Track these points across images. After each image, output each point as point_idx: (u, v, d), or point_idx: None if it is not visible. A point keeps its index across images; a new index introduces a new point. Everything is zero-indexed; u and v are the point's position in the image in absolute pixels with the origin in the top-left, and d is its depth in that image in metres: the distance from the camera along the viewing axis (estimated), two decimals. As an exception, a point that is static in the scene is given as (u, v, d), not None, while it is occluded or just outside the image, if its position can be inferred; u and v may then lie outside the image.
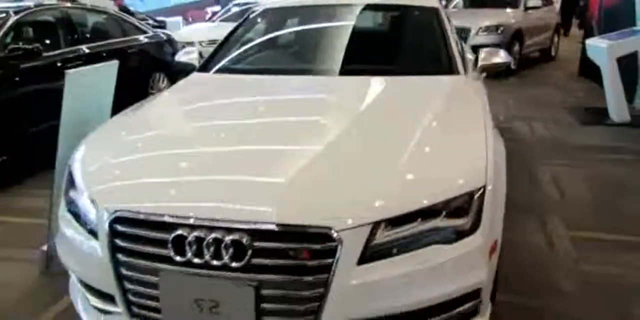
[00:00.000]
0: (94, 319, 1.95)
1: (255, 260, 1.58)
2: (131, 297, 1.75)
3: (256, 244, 1.58)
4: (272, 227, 1.58)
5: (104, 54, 5.11)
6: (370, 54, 3.04)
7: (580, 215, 3.33)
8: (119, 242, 1.73)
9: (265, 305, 1.60)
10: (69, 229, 1.95)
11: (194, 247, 1.61)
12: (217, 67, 3.14)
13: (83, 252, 1.86)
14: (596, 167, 4.23)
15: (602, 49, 5.29)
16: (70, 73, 2.43)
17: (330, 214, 1.59)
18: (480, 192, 1.73)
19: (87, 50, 5.01)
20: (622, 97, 5.46)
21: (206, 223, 1.62)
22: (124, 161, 2.04)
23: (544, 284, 2.55)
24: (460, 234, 1.69)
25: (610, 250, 2.88)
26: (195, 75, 3.10)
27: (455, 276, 1.68)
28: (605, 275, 2.62)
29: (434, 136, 2.06)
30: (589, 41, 5.79)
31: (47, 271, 2.73)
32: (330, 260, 1.56)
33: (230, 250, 1.58)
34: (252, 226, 1.59)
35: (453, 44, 2.95)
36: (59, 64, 4.59)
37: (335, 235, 1.55)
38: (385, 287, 1.61)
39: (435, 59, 2.93)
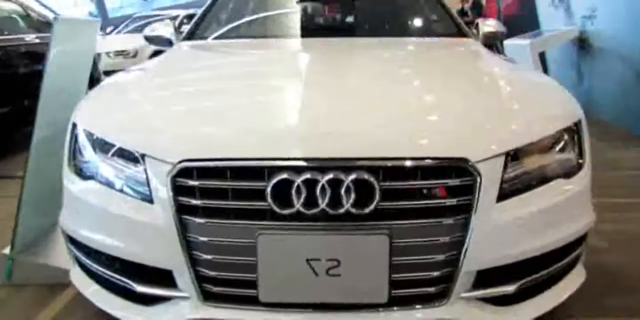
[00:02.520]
0: (133, 314, 1.50)
1: (385, 204, 1.30)
2: (206, 272, 1.36)
3: (384, 183, 1.30)
4: (403, 162, 1.32)
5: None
6: (385, 18, 2.90)
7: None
8: (188, 200, 1.35)
9: (397, 259, 1.32)
10: (95, 199, 1.50)
11: (304, 194, 1.29)
12: (212, 34, 2.75)
13: (124, 222, 1.44)
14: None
15: (524, 45, 5.68)
16: (59, 20, 1.98)
17: (464, 145, 1.37)
18: (579, 126, 1.62)
19: None
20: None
21: (317, 164, 1.30)
22: (172, 107, 1.63)
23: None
24: (573, 169, 1.56)
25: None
26: (188, 43, 2.69)
27: (577, 214, 1.55)
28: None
29: (511, 78, 1.93)
30: (507, 42, 6.20)
31: (8, 282, 2.12)
32: (470, 198, 1.33)
33: (353, 194, 1.28)
34: (378, 163, 1.31)
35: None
36: None
37: (472, 168, 1.33)
38: (524, 227, 1.41)
39: (447, 24, 2.85)
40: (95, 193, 1.51)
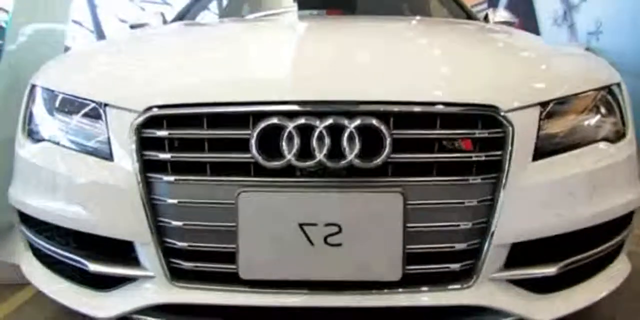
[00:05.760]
0: (84, 301, 1.21)
1: (397, 156, 1.05)
2: (175, 242, 1.10)
3: (396, 131, 1.06)
4: (418, 107, 1.07)
5: None
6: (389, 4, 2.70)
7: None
8: (154, 154, 1.10)
9: (412, 226, 1.05)
10: (46, 162, 1.25)
11: (297, 144, 1.04)
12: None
13: (77, 185, 1.18)
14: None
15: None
16: None
17: (493, 91, 1.13)
18: (619, 89, 1.39)
19: None
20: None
21: (314, 107, 1.06)
22: (142, 58, 1.39)
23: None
24: (616, 134, 1.32)
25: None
26: (179, 22, 2.47)
27: (624, 185, 1.28)
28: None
29: (542, 42, 1.72)
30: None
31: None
32: (500, 153, 1.08)
33: (358, 144, 1.03)
34: (389, 107, 1.06)
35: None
36: None
37: (504, 118, 1.08)
38: (565, 191, 1.15)
39: (457, 11, 2.65)
40: (47, 155, 1.26)
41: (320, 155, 1.03)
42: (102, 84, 1.27)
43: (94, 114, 1.22)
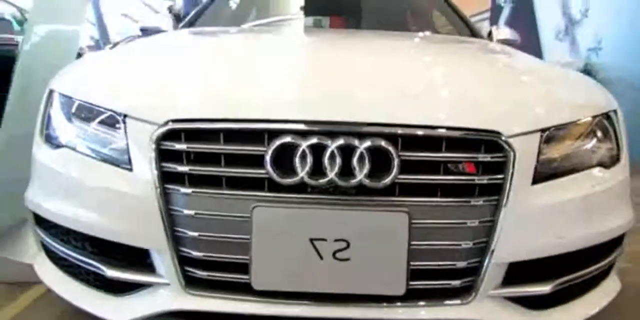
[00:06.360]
0: (100, 305, 1.27)
1: (404, 177, 1.11)
2: (190, 252, 1.15)
3: (404, 153, 1.12)
4: (425, 130, 1.14)
5: None
6: (392, 14, 2.77)
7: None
8: (173, 167, 1.15)
9: (416, 244, 1.11)
10: (65, 168, 1.31)
11: (310, 162, 1.10)
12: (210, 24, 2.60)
13: (97, 192, 1.24)
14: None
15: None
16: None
17: (497, 117, 1.19)
18: (615, 116, 1.46)
19: None
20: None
21: (327, 127, 1.12)
22: (162, 70, 1.44)
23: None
24: (611, 159, 1.38)
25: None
26: (186, 29, 2.54)
27: (618, 208, 1.36)
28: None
29: (543, 66, 1.79)
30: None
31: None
32: (502, 177, 1.15)
33: (367, 164, 1.10)
34: (397, 129, 1.13)
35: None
36: None
37: (506, 143, 1.15)
38: (562, 214, 1.22)
39: (462, 28, 2.71)
40: (66, 161, 1.31)
41: (331, 174, 1.09)
42: (122, 94, 1.32)
43: (112, 123, 1.27)
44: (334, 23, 2.82)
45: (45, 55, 2.12)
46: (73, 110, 1.38)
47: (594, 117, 1.37)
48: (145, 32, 2.74)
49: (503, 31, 2.67)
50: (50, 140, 1.41)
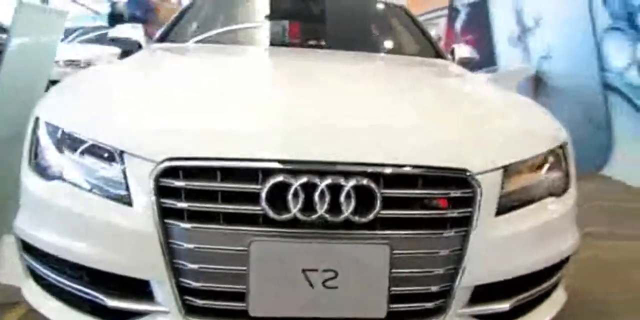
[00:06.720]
0: None
1: (385, 213, 1.25)
2: (190, 282, 1.25)
3: (385, 191, 1.25)
4: (404, 169, 1.28)
5: None
6: (356, 34, 2.91)
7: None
8: (172, 203, 1.24)
9: (396, 272, 1.26)
10: (61, 201, 1.36)
11: (302, 199, 1.22)
12: (186, 39, 2.67)
13: (96, 226, 1.31)
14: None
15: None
16: (23, 6, 1.86)
17: (465, 157, 1.35)
18: (566, 147, 1.64)
19: None
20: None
21: (316, 167, 1.24)
22: (151, 101, 1.53)
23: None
24: (562, 188, 1.57)
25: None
26: (161, 45, 2.59)
27: (567, 232, 1.54)
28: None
29: (502, 98, 1.95)
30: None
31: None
32: (470, 210, 1.30)
33: (353, 201, 1.23)
34: (379, 169, 1.26)
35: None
36: None
37: (473, 179, 1.30)
38: (520, 242, 1.39)
39: (426, 47, 2.89)
40: (61, 194, 1.37)
41: (321, 211, 1.22)
42: (116, 130, 1.38)
43: (108, 157, 1.34)
44: (293, 34, 2.94)
45: (27, 69, 2.15)
46: (64, 142, 1.42)
47: (550, 150, 1.55)
48: (117, 42, 2.78)
49: (463, 49, 2.87)
50: (41, 171, 1.45)
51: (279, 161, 1.25)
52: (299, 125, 1.38)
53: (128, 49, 2.81)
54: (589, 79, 4.88)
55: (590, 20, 4.84)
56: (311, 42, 2.79)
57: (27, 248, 1.47)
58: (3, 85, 1.95)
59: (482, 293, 1.36)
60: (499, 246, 1.34)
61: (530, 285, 1.46)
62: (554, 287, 1.59)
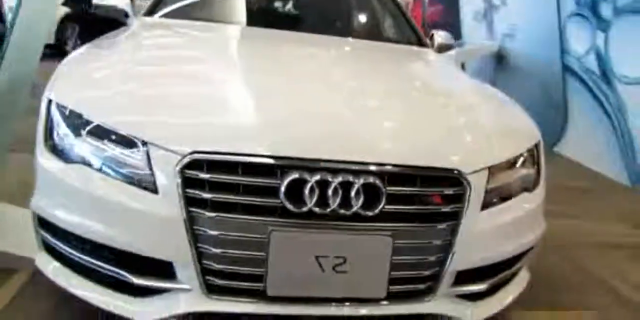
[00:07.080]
0: (120, 304, 1.47)
1: (389, 207, 1.41)
2: (213, 265, 1.39)
3: (390, 188, 1.41)
4: (407, 170, 1.44)
5: None
6: (341, 19, 3.01)
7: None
8: (197, 193, 1.36)
9: (396, 258, 1.44)
10: (85, 185, 1.45)
11: (317, 194, 1.36)
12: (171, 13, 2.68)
13: (121, 210, 1.41)
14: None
15: (451, 55, 6.06)
16: None
17: (458, 159, 1.52)
18: (539, 145, 1.84)
19: None
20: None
21: (330, 165, 1.38)
22: (173, 91, 1.63)
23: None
24: (534, 184, 1.78)
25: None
26: (151, 19, 2.59)
27: (537, 223, 1.77)
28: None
29: (484, 99, 2.12)
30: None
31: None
32: (460, 206, 1.48)
33: (362, 197, 1.38)
34: (386, 168, 1.42)
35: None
36: None
37: (464, 179, 1.48)
38: (500, 233, 1.60)
39: (406, 31, 3.01)
40: (82, 178, 1.46)
41: (334, 205, 1.37)
42: (142, 121, 1.47)
43: (130, 143, 1.43)
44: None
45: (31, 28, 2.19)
46: (83, 126, 1.50)
47: (528, 149, 1.74)
48: (101, 9, 2.74)
49: (441, 35, 3.03)
50: (58, 153, 1.52)
51: (297, 159, 1.38)
52: (316, 128, 1.51)
53: (112, 16, 2.77)
54: (549, 60, 5.13)
55: (556, 4, 5.04)
56: (308, 26, 2.85)
57: (43, 224, 1.56)
58: (12, 45, 2.00)
59: (464, 276, 1.57)
60: (482, 237, 1.54)
61: (504, 269, 1.68)
62: (520, 268, 1.83)
